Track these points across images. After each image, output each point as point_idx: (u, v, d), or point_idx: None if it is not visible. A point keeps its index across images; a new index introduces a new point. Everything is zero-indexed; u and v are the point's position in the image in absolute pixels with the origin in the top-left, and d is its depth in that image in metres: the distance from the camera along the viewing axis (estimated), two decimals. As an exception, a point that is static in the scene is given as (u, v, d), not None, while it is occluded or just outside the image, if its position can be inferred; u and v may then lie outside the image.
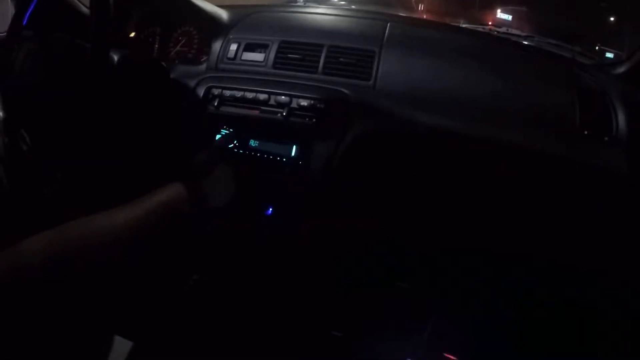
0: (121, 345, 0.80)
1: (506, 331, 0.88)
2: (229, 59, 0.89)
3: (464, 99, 0.80)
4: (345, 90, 0.80)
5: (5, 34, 0.67)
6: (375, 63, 0.83)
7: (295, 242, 0.81)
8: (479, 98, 0.79)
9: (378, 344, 0.81)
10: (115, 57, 0.75)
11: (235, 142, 0.82)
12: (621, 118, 0.75)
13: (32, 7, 0.67)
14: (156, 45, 1.02)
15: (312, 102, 0.78)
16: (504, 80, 0.81)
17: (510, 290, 0.88)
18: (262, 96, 0.81)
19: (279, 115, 0.79)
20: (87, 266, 0.54)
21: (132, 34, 1.02)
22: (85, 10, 0.92)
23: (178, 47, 1.00)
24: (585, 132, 0.76)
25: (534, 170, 0.77)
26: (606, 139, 0.75)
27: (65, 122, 0.72)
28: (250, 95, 0.81)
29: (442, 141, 0.78)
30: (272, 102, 0.80)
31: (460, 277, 0.86)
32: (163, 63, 0.88)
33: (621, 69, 0.84)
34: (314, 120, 0.78)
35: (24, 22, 0.67)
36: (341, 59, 0.84)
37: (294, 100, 0.79)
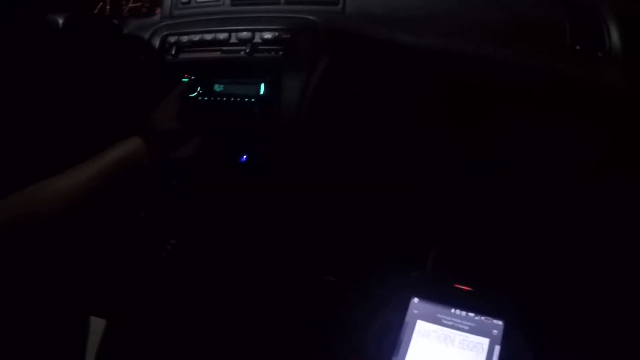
0: (97, 324, 0.74)
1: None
2: (183, 3, 0.81)
3: (447, 16, 0.72)
4: (313, 17, 0.72)
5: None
6: (343, -15, 0.75)
7: (275, 188, 0.75)
8: (463, 13, 0.72)
9: (378, 287, 0.74)
10: (60, 20, 0.69)
11: (198, 89, 0.75)
12: (614, 33, 0.69)
13: None
14: (108, 6, 0.95)
15: (276, 33, 0.71)
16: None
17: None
18: (222, 35, 0.74)
19: (242, 52, 0.72)
20: (41, 232, 0.52)
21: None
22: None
23: (131, 4, 0.93)
24: (578, 48, 0.70)
25: (524, 88, 0.71)
26: (599, 54, 0.69)
27: (22, 100, 0.66)
28: (208, 36, 0.74)
29: (424, 61, 0.71)
30: (233, 40, 0.73)
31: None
32: (114, 20, 0.82)
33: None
34: (281, 52, 0.71)
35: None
36: (305, -14, 0.76)
37: (257, 35, 0.72)
